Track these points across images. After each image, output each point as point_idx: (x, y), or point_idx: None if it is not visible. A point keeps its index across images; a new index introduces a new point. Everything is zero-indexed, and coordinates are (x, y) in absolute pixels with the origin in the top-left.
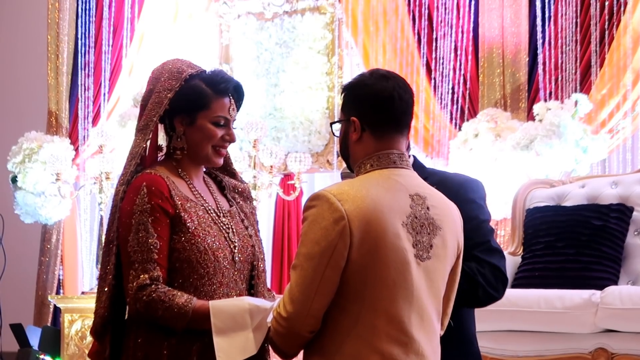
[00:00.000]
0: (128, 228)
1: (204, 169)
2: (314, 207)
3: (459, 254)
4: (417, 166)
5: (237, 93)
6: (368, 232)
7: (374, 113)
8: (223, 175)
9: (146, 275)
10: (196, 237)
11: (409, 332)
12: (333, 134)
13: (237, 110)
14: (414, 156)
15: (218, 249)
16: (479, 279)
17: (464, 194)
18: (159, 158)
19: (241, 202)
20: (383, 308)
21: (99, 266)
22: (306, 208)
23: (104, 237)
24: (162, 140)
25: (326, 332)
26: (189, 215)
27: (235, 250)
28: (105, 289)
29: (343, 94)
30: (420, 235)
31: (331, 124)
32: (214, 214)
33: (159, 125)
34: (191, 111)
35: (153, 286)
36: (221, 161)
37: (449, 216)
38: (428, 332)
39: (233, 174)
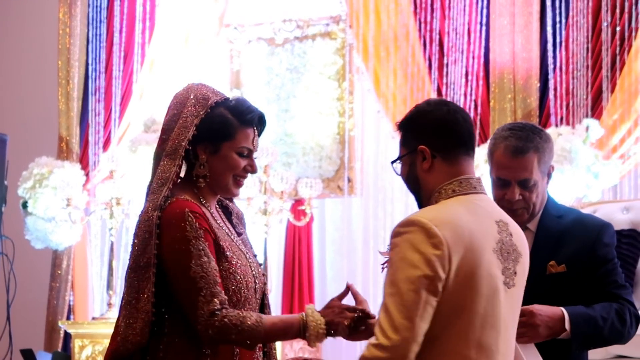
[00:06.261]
0: (186, 255)
1: None
2: (407, 233)
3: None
4: (551, 204)
5: (260, 124)
6: (465, 259)
7: (442, 137)
8: (227, 200)
9: (216, 300)
10: (233, 265)
11: None
12: (395, 172)
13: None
14: (548, 194)
15: (248, 277)
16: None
17: (602, 237)
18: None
19: (242, 228)
20: (474, 337)
21: (124, 290)
22: (396, 234)
23: (114, 262)
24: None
25: None
26: (224, 242)
27: (255, 278)
28: (142, 316)
29: (402, 129)
30: (507, 262)
31: (392, 162)
32: (235, 242)
33: None
34: (216, 140)
35: (224, 311)
36: (239, 192)
37: (524, 244)
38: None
39: (230, 199)
